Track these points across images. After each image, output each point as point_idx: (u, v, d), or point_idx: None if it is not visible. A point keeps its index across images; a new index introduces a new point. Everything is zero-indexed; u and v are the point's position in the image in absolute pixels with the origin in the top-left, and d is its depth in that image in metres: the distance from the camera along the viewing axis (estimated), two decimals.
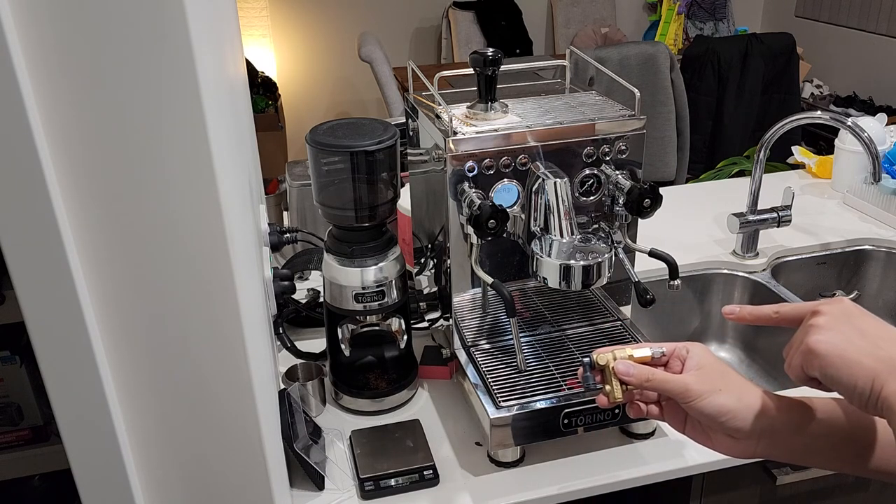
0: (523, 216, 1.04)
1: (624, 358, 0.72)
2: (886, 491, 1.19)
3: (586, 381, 0.74)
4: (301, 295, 1.32)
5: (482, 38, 4.26)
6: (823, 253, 1.57)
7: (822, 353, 0.62)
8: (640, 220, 1.08)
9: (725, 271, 1.52)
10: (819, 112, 1.46)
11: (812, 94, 4.05)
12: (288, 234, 1.22)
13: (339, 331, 1.14)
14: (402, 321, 1.15)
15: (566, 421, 0.99)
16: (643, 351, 0.73)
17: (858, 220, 1.66)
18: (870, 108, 3.73)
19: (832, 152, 1.82)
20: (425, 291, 1.23)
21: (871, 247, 1.59)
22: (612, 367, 0.72)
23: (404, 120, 1.21)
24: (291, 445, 0.96)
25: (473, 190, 1.00)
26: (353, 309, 1.08)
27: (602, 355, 0.72)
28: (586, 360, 0.73)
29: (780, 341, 1.42)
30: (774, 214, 1.47)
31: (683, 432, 0.73)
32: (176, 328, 0.63)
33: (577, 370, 1.05)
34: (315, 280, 1.47)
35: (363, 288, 1.06)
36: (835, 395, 0.64)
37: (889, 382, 0.58)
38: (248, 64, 3.81)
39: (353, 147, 1.01)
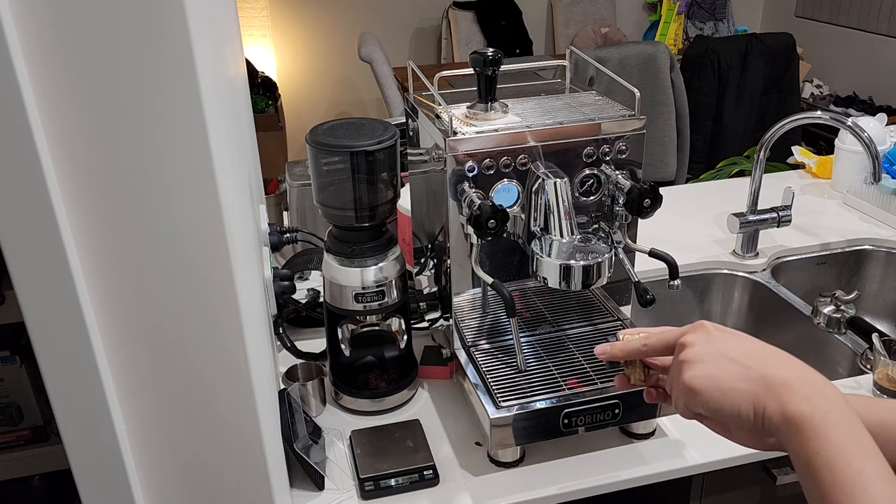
0: (523, 216, 1.04)
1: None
2: None
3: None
4: (301, 295, 1.32)
5: (482, 38, 4.26)
6: (823, 253, 1.57)
7: (700, 389, 0.62)
8: (640, 220, 1.08)
9: (725, 271, 1.52)
10: (819, 112, 1.46)
11: (812, 94, 4.05)
12: (288, 234, 1.22)
13: (339, 331, 1.14)
14: (402, 321, 1.15)
15: (566, 421, 0.99)
16: None
17: (858, 220, 1.66)
18: (870, 108, 3.73)
19: (832, 152, 1.82)
20: (425, 291, 1.23)
21: (871, 247, 1.59)
22: None
23: (404, 120, 1.21)
24: (291, 445, 0.96)
25: (473, 190, 0.99)
26: (353, 309, 1.08)
27: (630, 336, 0.73)
28: (613, 340, 0.74)
29: (780, 341, 1.42)
30: (774, 214, 1.47)
31: (702, 422, 0.73)
32: (176, 328, 0.63)
33: (578, 368, 1.05)
34: (315, 280, 1.47)
35: (363, 288, 1.06)
36: (860, 380, 0.64)
37: (769, 402, 0.58)
38: (248, 64, 3.81)
39: (353, 147, 1.01)
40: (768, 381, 0.59)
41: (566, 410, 0.99)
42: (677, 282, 1.06)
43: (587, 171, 1.05)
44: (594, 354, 0.75)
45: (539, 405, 0.99)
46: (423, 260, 1.23)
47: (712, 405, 0.62)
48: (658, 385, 0.74)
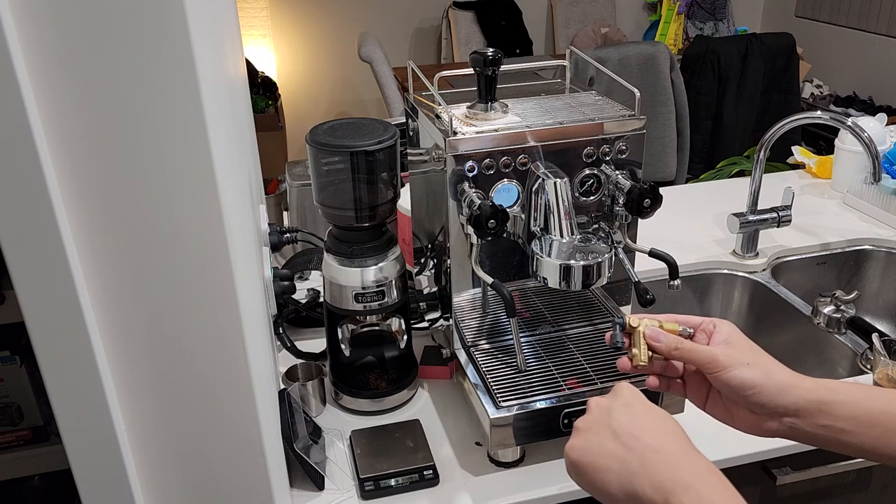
0: (523, 216, 1.04)
1: (654, 326, 0.74)
2: (887, 491, 1.19)
3: (614, 338, 0.76)
4: (301, 295, 1.32)
5: (482, 38, 4.26)
6: (823, 253, 1.57)
7: (574, 461, 0.65)
8: (640, 220, 1.08)
9: (725, 271, 1.52)
10: (819, 112, 1.46)
11: (812, 94, 4.05)
12: (288, 234, 1.22)
13: (339, 331, 1.14)
14: (402, 321, 1.15)
15: (566, 421, 0.99)
16: (672, 325, 0.75)
17: (858, 220, 1.66)
18: (870, 108, 3.73)
19: (832, 152, 1.82)
20: (425, 291, 1.23)
21: (871, 247, 1.59)
22: (643, 331, 0.73)
23: (404, 120, 1.21)
24: (291, 445, 0.96)
25: (473, 190, 0.99)
26: (353, 309, 1.08)
27: (634, 318, 0.74)
28: (619, 321, 0.75)
29: (780, 341, 1.42)
30: (774, 214, 1.47)
31: (704, 409, 0.73)
32: (176, 328, 0.63)
33: (578, 368, 1.05)
34: (315, 280, 1.47)
35: (363, 288, 1.06)
36: (859, 380, 0.64)
37: (642, 486, 0.60)
38: (248, 64, 3.81)
39: (353, 147, 1.01)
40: (645, 464, 0.60)
41: (566, 410, 0.99)
42: (677, 282, 1.06)
43: (587, 171, 1.05)
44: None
45: (539, 405, 0.99)
46: (423, 260, 1.23)
47: (584, 480, 0.64)
48: (659, 373, 0.75)
